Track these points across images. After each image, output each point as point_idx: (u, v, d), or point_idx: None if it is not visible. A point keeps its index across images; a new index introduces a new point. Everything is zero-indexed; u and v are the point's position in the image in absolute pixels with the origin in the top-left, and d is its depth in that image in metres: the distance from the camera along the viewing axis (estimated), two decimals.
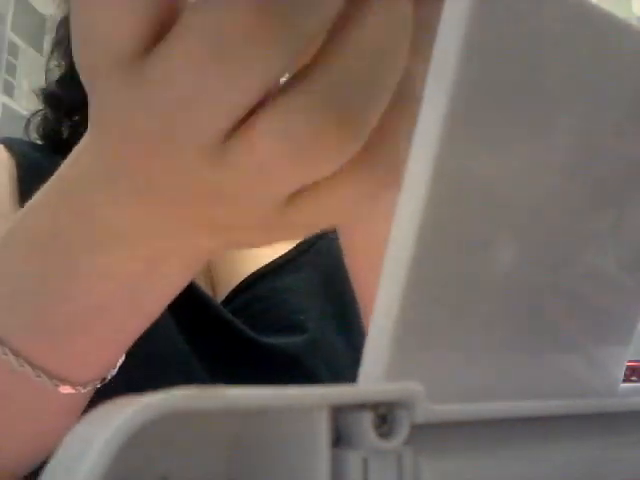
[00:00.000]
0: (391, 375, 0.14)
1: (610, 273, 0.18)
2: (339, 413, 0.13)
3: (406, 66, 0.19)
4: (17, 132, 0.61)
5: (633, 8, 1.92)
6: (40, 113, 0.59)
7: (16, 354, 0.28)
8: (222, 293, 0.52)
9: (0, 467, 0.33)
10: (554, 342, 0.17)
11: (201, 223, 0.22)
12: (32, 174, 0.47)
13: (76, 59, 0.19)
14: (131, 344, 0.30)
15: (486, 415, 0.14)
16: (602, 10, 0.15)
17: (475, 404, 0.14)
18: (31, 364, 0.28)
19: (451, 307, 0.15)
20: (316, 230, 0.23)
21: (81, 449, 0.10)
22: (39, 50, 1.71)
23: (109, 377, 0.31)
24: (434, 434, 0.14)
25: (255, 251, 0.53)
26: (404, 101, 0.20)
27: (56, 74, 0.58)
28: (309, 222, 0.22)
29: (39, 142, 0.58)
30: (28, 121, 0.60)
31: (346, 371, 0.49)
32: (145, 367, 0.43)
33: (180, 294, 0.45)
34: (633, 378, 1.36)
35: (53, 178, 0.26)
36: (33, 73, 1.66)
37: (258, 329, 0.49)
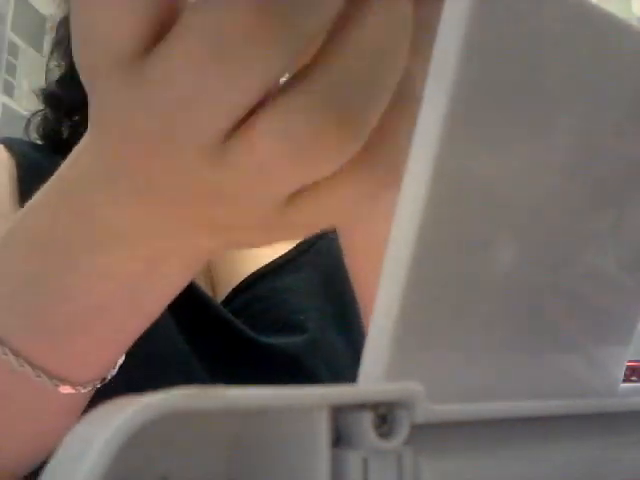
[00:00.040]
0: (391, 375, 0.14)
1: (610, 273, 0.18)
2: (339, 413, 0.13)
3: (406, 66, 0.19)
4: (17, 132, 0.61)
5: (633, 8, 1.92)
6: (40, 113, 0.59)
7: (16, 354, 0.28)
8: (222, 293, 0.52)
9: (0, 467, 0.33)
10: (554, 342, 0.17)
11: (201, 223, 0.22)
12: (32, 174, 0.47)
13: (76, 59, 0.19)
14: (131, 344, 0.30)
15: (486, 415, 0.14)
16: (602, 10, 0.15)
17: (475, 404, 0.14)
18: (31, 364, 0.28)
19: (451, 307, 0.15)
20: (316, 230, 0.23)
21: (81, 449, 0.10)
22: (39, 50, 1.71)
23: (109, 377, 0.31)
24: (434, 434, 0.14)
25: (255, 251, 0.53)
26: (404, 101, 0.20)
27: (56, 74, 0.58)
28: (309, 222, 0.22)
29: (39, 142, 0.58)
30: (28, 121, 0.60)
31: (346, 371, 0.49)
32: (145, 367, 0.43)
33: (180, 294, 0.45)
34: (633, 378, 1.36)
35: (53, 178, 0.26)
36: (33, 73, 1.66)
37: (258, 329, 0.49)
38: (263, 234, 0.22)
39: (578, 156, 0.16)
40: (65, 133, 0.56)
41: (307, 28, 0.17)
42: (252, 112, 0.18)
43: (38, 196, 0.27)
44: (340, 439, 0.13)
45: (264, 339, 0.48)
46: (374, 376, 0.14)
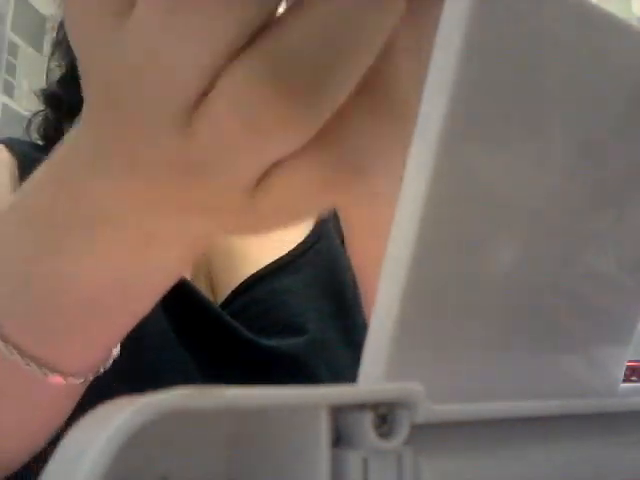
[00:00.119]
0: (391, 375, 0.14)
1: (610, 273, 0.18)
2: (339, 413, 0.13)
3: (392, 62, 0.19)
4: (17, 132, 0.61)
5: (633, 8, 1.92)
6: (41, 113, 0.59)
7: (5, 340, 0.27)
8: (221, 296, 0.52)
9: None
10: (554, 342, 0.17)
11: (182, 203, 0.22)
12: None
13: (68, 32, 0.20)
14: (123, 336, 0.30)
15: (486, 415, 0.14)
16: (602, 10, 0.15)
17: (475, 404, 0.14)
18: (20, 352, 0.27)
19: (451, 307, 0.15)
20: (288, 221, 0.23)
21: (81, 449, 0.10)
22: (39, 50, 1.71)
23: (102, 370, 0.31)
24: (434, 434, 0.14)
25: (254, 253, 0.53)
26: (379, 94, 0.20)
27: (57, 74, 0.58)
28: (278, 208, 0.22)
29: (40, 142, 0.58)
30: (29, 121, 0.60)
31: (346, 371, 0.49)
32: (143, 373, 0.43)
33: (179, 297, 0.45)
34: (633, 378, 1.36)
35: (45, 161, 0.26)
36: (33, 73, 1.66)
37: (257, 331, 0.49)
38: (235, 219, 0.22)
39: (578, 156, 0.16)
40: (66, 133, 0.56)
41: None
42: None
43: (30, 179, 0.26)
44: (340, 439, 0.13)
45: (264, 341, 0.48)
46: (374, 376, 0.14)
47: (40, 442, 0.32)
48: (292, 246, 0.54)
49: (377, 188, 0.21)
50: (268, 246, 0.53)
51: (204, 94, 0.18)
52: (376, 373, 0.14)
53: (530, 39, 0.14)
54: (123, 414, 0.10)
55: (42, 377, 0.28)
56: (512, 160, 0.15)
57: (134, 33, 0.18)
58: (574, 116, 0.15)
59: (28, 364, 0.28)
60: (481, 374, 0.16)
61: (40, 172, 0.26)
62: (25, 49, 1.69)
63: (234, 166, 0.20)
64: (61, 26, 0.59)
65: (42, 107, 0.60)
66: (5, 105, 1.62)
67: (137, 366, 0.43)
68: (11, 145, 0.51)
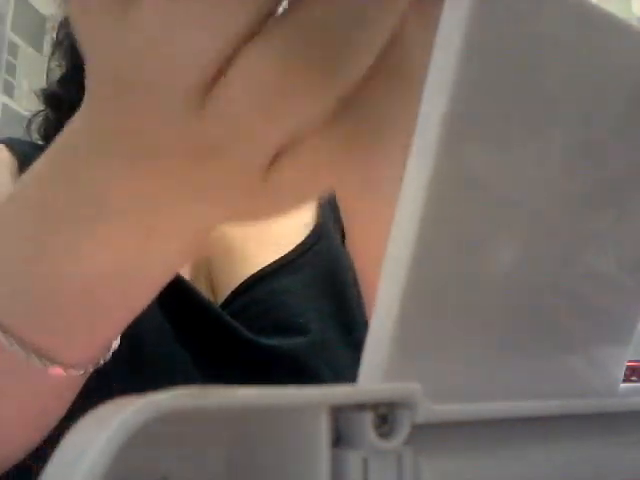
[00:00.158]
0: (391, 375, 0.14)
1: (610, 273, 0.18)
2: (339, 413, 0.13)
3: (404, 37, 0.19)
4: (17, 132, 0.61)
5: (633, 8, 1.92)
6: (41, 113, 0.59)
7: (5, 331, 0.27)
8: (221, 296, 0.52)
9: None
10: (554, 342, 0.17)
11: (191, 187, 0.22)
12: None
13: (72, 19, 0.20)
14: (123, 328, 0.30)
15: (486, 415, 0.14)
16: (602, 10, 0.15)
17: (475, 404, 0.14)
18: (21, 343, 0.27)
19: (451, 307, 0.15)
20: (299, 203, 0.23)
21: (81, 449, 0.10)
22: (39, 50, 1.71)
23: (102, 362, 0.31)
24: (434, 434, 0.14)
25: (254, 254, 0.53)
26: (394, 69, 0.20)
27: (57, 74, 0.58)
28: (292, 188, 0.22)
29: (40, 142, 0.58)
30: (29, 121, 0.60)
31: (347, 371, 0.49)
32: (143, 374, 0.43)
33: (179, 298, 0.45)
34: (633, 378, 1.36)
35: (45, 153, 0.26)
36: (33, 73, 1.66)
37: (257, 331, 0.49)
38: (245, 203, 0.22)
39: (578, 156, 0.16)
40: None
41: None
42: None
43: (29, 171, 0.26)
44: (340, 439, 0.13)
45: (265, 341, 0.48)
46: (374, 376, 0.14)
47: (41, 433, 0.32)
48: (292, 247, 0.54)
49: (383, 170, 0.22)
50: (268, 247, 0.53)
51: (218, 75, 0.18)
52: (376, 373, 0.14)
53: (530, 39, 0.14)
54: (123, 414, 0.10)
55: (42, 368, 0.28)
56: (512, 160, 0.15)
57: (143, 16, 0.18)
58: (574, 116, 0.15)
59: (28, 355, 0.27)
60: (481, 374, 0.16)
61: (39, 163, 0.26)
62: (25, 49, 1.69)
63: (249, 146, 0.20)
64: (61, 26, 0.59)
65: (42, 107, 0.60)
66: (5, 105, 1.62)
67: (137, 366, 0.43)
68: (11, 145, 0.51)
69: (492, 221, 0.15)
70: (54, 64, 0.59)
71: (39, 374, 0.28)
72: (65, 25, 0.58)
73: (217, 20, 0.18)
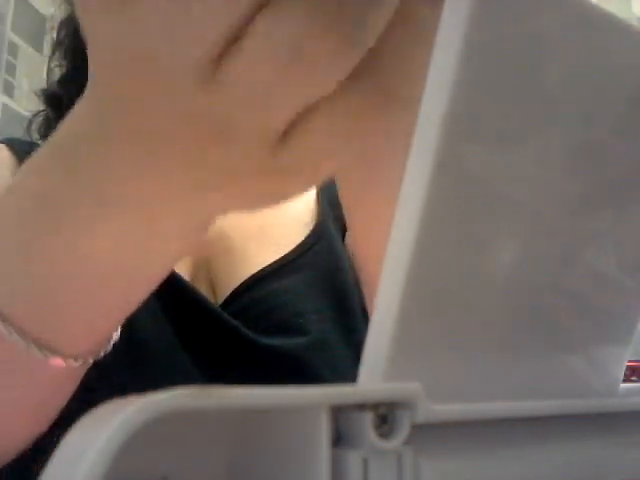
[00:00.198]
0: (391, 375, 0.14)
1: (610, 273, 0.18)
2: (339, 413, 0.13)
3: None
4: (17, 132, 0.61)
5: (633, 8, 1.92)
6: (41, 113, 0.59)
7: (4, 320, 0.27)
8: (221, 296, 0.52)
9: None
10: (554, 342, 0.17)
11: (197, 172, 0.21)
12: None
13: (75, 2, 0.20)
14: (122, 320, 0.29)
15: (486, 415, 0.14)
16: (602, 10, 0.15)
17: (475, 404, 0.14)
18: (21, 333, 0.27)
19: (451, 307, 0.15)
20: (310, 181, 0.23)
21: (81, 448, 0.10)
22: (39, 50, 1.71)
23: (102, 354, 0.31)
24: (434, 434, 0.14)
25: (254, 254, 0.53)
26: (408, 26, 0.19)
27: (57, 74, 0.58)
28: (302, 166, 0.21)
29: (40, 142, 0.58)
30: (29, 121, 0.60)
31: (347, 371, 0.49)
32: (143, 375, 0.43)
33: (178, 298, 0.44)
34: (633, 378, 1.36)
35: (45, 143, 0.25)
36: (33, 73, 1.66)
37: (258, 331, 0.49)
38: (258, 183, 0.22)
39: (578, 156, 0.16)
40: None
41: None
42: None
43: (29, 161, 0.26)
44: (340, 439, 0.13)
45: (266, 341, 0.48)
46: (374, 376, 0.14)
47: (41, 425, 0.32)
48: (292, 247, 0.54)
49: (388, 150, 0.21)
50: (268, 247, 0.53)
51: (224, 51, 0.18)
52: (376, 373, 0.14)
53: (530, 39, 0.14)
54: (123, 414, 0.10)
55: (42, 359, 0.28)
56: (512, 160, 0.15)
57: None
58: (574, 116, 0.15)
59: (28, 345, 0.27)
60: (481, 374, 0.16)
61: (39, 153, 0.26)
62: (25, 49, 1.69)
63: (261, 117, 0.19)
64: (61, 26, 0.59)
65: (42, 107, 0.60)
66: (5, 105, 1.62)
67: (138, 367, 0.43)
68: (11, 145, 0.51)
69: (492, 221, 0.15)
70: (54, 64, 0.59)
71: (39, 364, 0.28)
72: (65, 25, 0.58)
73: None
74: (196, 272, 0.52)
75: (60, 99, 0.57)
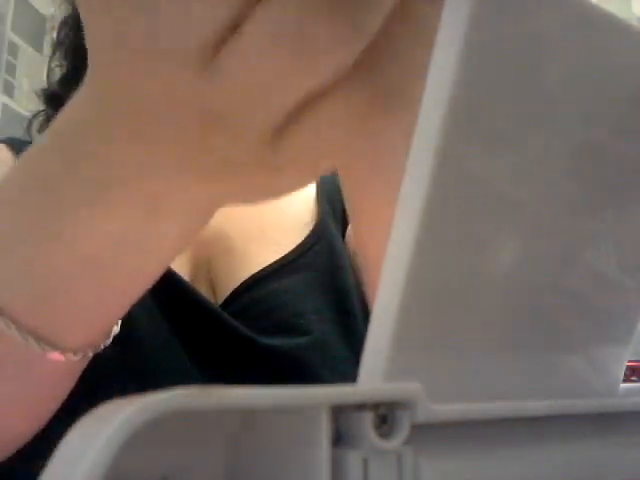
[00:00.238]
0: (391, 375, 0.14)
1: (610, 273, 0.18)
2: (339, 413, 0.13)
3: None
4: (17, 132, 0.61)
5: (633, 8, 1.92)
6: (41, 113, 0.59)
7: (2, 313, 0.27)
8: (221, 296, 0.52)
9: None
10: (554, 342, 0.17)
11: (196, 158, 0.21)
12: None
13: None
14: (121, 314, 0.29)
15: (486, 415, 0.14)
16: (602, 10, 0.15)
17: (475, 404, 0.14)
18: (19, 326, 0.27)
19: (451, 307, 0.15)
20: (307, 175, 0.22)
21: (81, 448, 0.10)
22: (39, 50, 1.71)
23: (102, 347, 0.31)
24: (434, 434, 0.14)
25: (254, 254, 0.53)
26: (410, 23, 0.19)
27: (57, 74, 0.58)
28: (300, 159, 0.21)
29: None
30: (29, 121, 0.60)
31: (347, 372, 0.49)
32: (143, 376, 0.43)
33: (178, 298, 0.44)
34: (633, 378, 1.36)
35: (44, 132, 0.25)
36: (33, 73, 1.66)
37: (257, 331, 0.49)
38: (258, 177, 0.22)
39: (578, 156, 0.16)
40: None
41: None
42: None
43: (30, 148, 0.26)
44: (340, 439, 0.13)
45: (266, 341, 0.48)
46: (374, 376, 0.14)
47: (39, 420, 0.32)
48: (292, 247, 0.54)
49: (391, 144, 0.21)
50: (268, 247, 0.53)
51: (223, 39, 0.18)
52: (376, 373, 0.14)
53: (530, 39, 0.14)
54: (123, 414, 0.10)
55: (41, 353, 0.28)
56: (512, 160, 0.15)
57: None
58: (574, 116, 0.15)
59: (26, 339, 0.27)
60: (481, 374, 0.16)
61: (38, 141, 0.26)
62: (25, 49, 1.69)
63: (261, 105, 0.19)
64: (61, 26, 0.59)
65: (42, 107, 0.60)
66: (5, 105, 1.62)
67: (137, 366, 0.43)
68: (12, 145, 0.51)
69: (492, 221, 0.15)
70: (54, 64, 0.59)
71: (37, 358, 0.28)
72: (65, 25, 0.58)
73: None
74: (196, 272, 0.52)
75: (60, 99, 0.57)
